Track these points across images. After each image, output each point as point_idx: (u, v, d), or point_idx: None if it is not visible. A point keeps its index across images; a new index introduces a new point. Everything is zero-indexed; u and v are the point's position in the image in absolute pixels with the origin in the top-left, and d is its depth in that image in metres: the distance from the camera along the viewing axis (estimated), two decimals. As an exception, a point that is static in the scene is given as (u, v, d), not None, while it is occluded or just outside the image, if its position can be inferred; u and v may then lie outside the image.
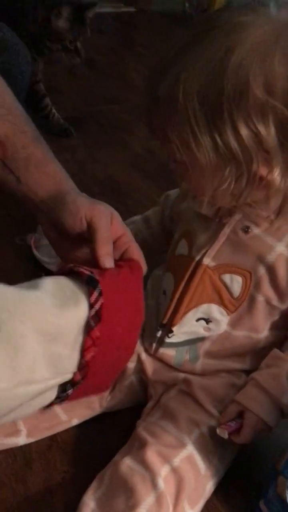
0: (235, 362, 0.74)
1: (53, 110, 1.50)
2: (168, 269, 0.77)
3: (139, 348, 0.77)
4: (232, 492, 0.72)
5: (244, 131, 0.55)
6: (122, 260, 0.63)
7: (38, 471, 0.71)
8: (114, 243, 0.63)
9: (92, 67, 1.97)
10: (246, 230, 0.69)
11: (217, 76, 0.54)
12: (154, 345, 0.76)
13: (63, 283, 0.53)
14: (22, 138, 0.67)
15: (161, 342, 0.75)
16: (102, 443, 0.74)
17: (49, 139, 0.72)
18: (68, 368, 0.52)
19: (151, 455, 0.66)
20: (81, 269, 0.54)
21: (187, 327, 0.73)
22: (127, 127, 1.57)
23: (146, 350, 0.77)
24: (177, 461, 0.66)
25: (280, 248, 0.67)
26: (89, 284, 0.52)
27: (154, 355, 0.76)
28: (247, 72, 0.54)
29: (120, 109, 1.63)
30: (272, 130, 0.56)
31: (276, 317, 0.72)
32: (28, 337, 0.46)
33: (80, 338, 0.51)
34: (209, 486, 0.69)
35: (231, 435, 0.66)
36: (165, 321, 0.74)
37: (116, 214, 0.64)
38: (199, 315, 0.72)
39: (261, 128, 0.55)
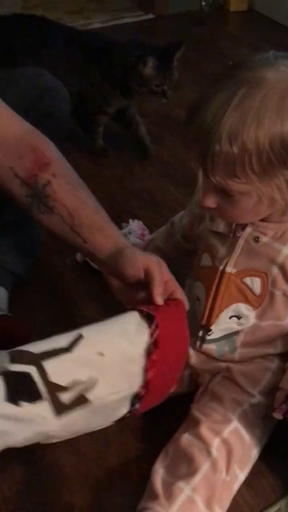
0: (268, 348, 0.90)
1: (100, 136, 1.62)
2: (197, 279, 0.93)
3: None
4: (274, 457, 0.88)
5: None
6: (169, 299, 0.82)
7: (116, 449, 0.89)
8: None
9: None
10: (256, 240, 0.84)
11: (285, 124, 0.68)
12: (198, 343, 0.91)
13: (132, 319, 0.74)
14: (85, 209, 0.86)
15: (203, 340, 0.91)
16: (164, 424, 0.91)
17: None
18: (137, 383, 0.73)
19: (204, 430, 0.82)
20: (141, 308, 0.74)
21: (222, 325, 0.89)
22: (157, 138, 1.70)
23: (193, 347, 0.93)
24: (225, 434, 0.82)
25: (286, 250, 0.83)
26: (148, 319, 0.71)
27: (199, 351, 0.92)
28: None
29: (150, 121, 1.75)
30: None
31: None
32: (116, 358, 0.66)
33: (142, 360, 0.71)
34: (254, 453, 0.86)
35: (285, 415, 0.81)
36: (203, 323, 0.90)
37: (163, 263, 0.83)
38: (230, 313, 0.87)
39: None
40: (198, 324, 0.90)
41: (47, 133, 1.03)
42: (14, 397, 0.65)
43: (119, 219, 1.24)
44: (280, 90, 0.69)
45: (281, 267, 0.83)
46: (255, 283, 0.85)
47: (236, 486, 0.82)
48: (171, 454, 0.83)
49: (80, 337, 0.69)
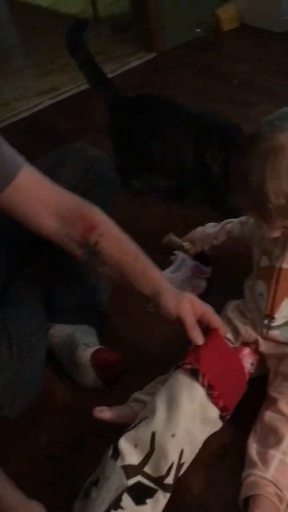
0: None
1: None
2: (259, 278, 1.12)
3: (254, 335, 1.12)
4: None
5: None
6: (208, 329, 1.04)
7: (213, 437, 1.06)
8: (199, 319, 1.03)
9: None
10: None
11: None
12: (264, 330, 1.10)
13: (182, 384, 0.99)
14: (128, 258, 1.06)
15: (268, 327, 1.09)
16: (249, 407, 1.08)
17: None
18: (214, 415, 1.00)
19: (283, 405, 1.00)
20: (185, 365, 0.99)
21: (284, 312, 1.07)
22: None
23: (260, 335, 1.11)
24: (301, 405, 1.00)
25: None
26: (193, 374, 0.97)
27: (266, 338, 1.11)
28: None
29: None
30: None
31: None
32: (185, 425, 0.96)
33: (207, 402, 0.98)
34: None
35: None
36: (268, 312, 1.09)
37: (195, 299, 1.03)
38: None
39: None
40: (263, 315, 1.10)
41: (101, 196, 1.25)
42: (139, 501, 0.92)
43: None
44: None
45: None
46: None
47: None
48: (259, 430, 1.01)
49: (153, 434, 0.94)
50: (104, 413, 1.08)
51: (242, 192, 0.95)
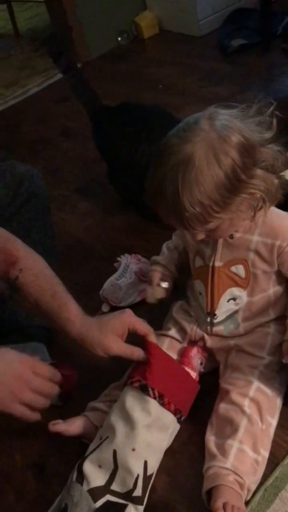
0: (263, 317, 1.11)
1: None
2: (196, 278, 1.15)
3: (200, 332, 1.14)
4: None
5: (252, 180, 0.92)
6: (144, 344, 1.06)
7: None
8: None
9: (71, 136, 2.29)
10: (231, 236, 1.05)
11: (218, 175, 0.89)
12: (208, 327, 1.13)
13: (134, 400, 1.01)
14: (45, 296, 1.06)
15: (212, 324, 1.13)
16: (203, 403, 1.11)
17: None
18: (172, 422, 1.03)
19: (235, 396, 1.03)
20: (134, 384, 1.01)
21: (223, 308, 1.10)
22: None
23: (206, 332, 1.14)
24: (251, 393, 1.03)
25: (255, 238, 1.04)
26: (143, 390, 1.00)
27: (211, 334, 1.14)
28: (231, 159, 0.90)
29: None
30: (257, 169, 0.93)
31: (273, 277, 1.09)
32: (144, 437, 0.98)
33: (160, 411, 1.00)
34: (279, 401, 1.07)
35: None
36: (209, 310, 1.12)
37: (116, 320, 1.07)
38: (227, 297, 1.09)
39: (253, 172, 0.92)
40: (205, 313, 1.12)
41: (35, 211, 1.25)
42: None
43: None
44: (203, 157, 0.90)
45: (256, 251, 1.06)
46: (240, 269, 1.08)
47: (272, 430, 1.03)
48: (215, 423, 1.04)
49: (114, 452, 0.96)
50: (59, 426, 1.08)
51: (160, 203, 0.96)
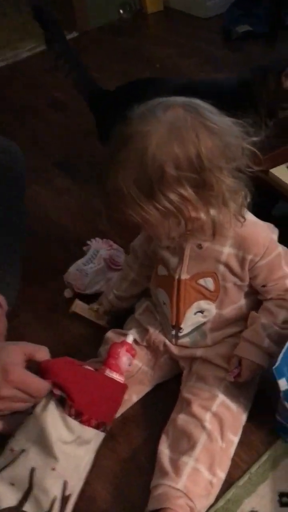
0: (233, 327, 1.02)
1: None
2: (158, 285, 1.04)
3: (163, 338, 1.05)
4: (260, 414, 1.00)
5: (172, 196, 0.81)
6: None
7: (122, 441, 1.00)
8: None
9: (59, 108, 2.16)
10: (199, 246, 0.94)
11: (142, 169, 0.79)
12: (173, 340, 1.03)
13: (57, 419, 0.87)
14: None
15: (177, 337, 1.03)
16: (160, 408, 1.02)
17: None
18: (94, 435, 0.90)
19: (196, 408, 0.94)
20: (55, 394, 0.87)
21: (190, 321, 1.00)
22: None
23: (170, 341, 1.04)
24: (214, 408, 0.94)
25: (226, 250, 0.94)
26: (62, 403, 0.87)
27: (175, 345, 1.04)
28: (159, 162, 0.78)
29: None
30: (189, 189, 0.81)
31: (245, 289, 1.00)
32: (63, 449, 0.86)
33: (81, 427, 0.87)
34: (243, 418, 0.98)
35: (236, 378, 0.96)
36: (173, 324, 1.01)
37: (9, 354, 0.86)
38: (194, 310, 0.99)
39: (182, 191, 0.81)
40: (169, 325, 1.02)
41: (8, 187, 1.13)
42: None
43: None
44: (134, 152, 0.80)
45: (226, 264, 0.95)
46: (208, 282, 0.97)
47: (232, 449, 0.95)
48: (171, 435, 0.94)
49: (32, 470, 0.84)
50: None
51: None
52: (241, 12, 2.45)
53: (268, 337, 0.96)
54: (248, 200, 0.89)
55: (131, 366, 0.99)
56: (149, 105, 0.83)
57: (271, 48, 2.22)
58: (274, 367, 0.86)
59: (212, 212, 0.85)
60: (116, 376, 0.95)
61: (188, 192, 0.81)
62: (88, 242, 1.34)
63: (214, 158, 0.81)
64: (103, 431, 0.91)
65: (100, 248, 1.30)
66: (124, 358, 0.96)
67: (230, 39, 2.41)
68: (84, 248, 1.34)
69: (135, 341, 1.05)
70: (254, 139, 0.85)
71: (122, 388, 0.96)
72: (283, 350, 0.88)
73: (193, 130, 0.80)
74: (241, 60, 2.24)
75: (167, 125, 0.80)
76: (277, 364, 0.87)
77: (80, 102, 1.62)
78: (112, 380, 0.94)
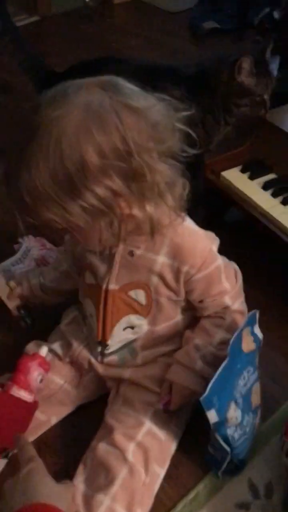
0: (168, 345, 0.91)
1: None
2: (86, 295, 0.92)
3: (88, 354, 0.93)
4: (190, 444, 0.90)
5: (99, 190, 0.69)
6: None
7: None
8: None
9: (8, 91, 2.03)
10: (131, 254, 0.83)
11: (58, 161, 0.66)
12: (99, 357, 0.92)
13: None
14: None
15: (103, 354, 0.91)
16: (83, 433, 0.91)
17: None
18: None
19: (119, 437, 0.83)
20: None
21: (118, 337, 0.89)
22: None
23: (96, 359, 0.93)
24: (140, 437, 0.83)
25: (160, 259, 0.83)
26: None
27: (101, 363, 0.93)
28: (78, 150, 0.66)
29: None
30: (117, 180, 0.69)
31: (182, 304, 0.89)
32: None
33: None
34: (173, 447, 0.88)
35: (165, 406, 0.85)
36: (99, 339, 0.90)
37: None
38: (123, 325, 0.88)
39: (110, 183, 0.69)
40: (95, 341, 0.91)
41: None
42: None
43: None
44: (47, 141, 0.67)
45: (160, 275, 0.84)
46: (140, 295, 0.86)
47: (157, 484, 0.84)
48: (89, 466, 0.83)
49: None
50: None
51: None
52: (209, 8, 2.39)
53: (201, 359, 0.86)
54: (187, 191, 0.78)
55: (42, 383, 0.87)
56: (59, 88, 0.70)
57: (237, 46, 2.14)
58: (201, 398, 0.76)
59: (148, 207, 0.74)
60: (24, 394, 0.83)
61: (117, 184, 0.69)
62: (20, 240, 1.21)
63: (142, 141, 0.69)
64: (4, 457, 0.79)
65: (31, 247, 1.18)
66: (35, 374, 0.85)
67: (196, 35, 2.33)
68: (15, 246, 1.21)
69: (57, 356, 0.94)
70: (184, 113, 0.74)
71: (30, 408, 0.84)
72: (213, 379, 0.77)
73: (113, 110, 0.68)
74: (206, 56, 2.14)
75: (82, 107, 0.67)
76: (205, 394, 0.76)
77: (27, 84, 1.48)
78: (18, 400, 0.82)
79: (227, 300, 0.88)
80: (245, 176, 1.21)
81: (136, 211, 0.74)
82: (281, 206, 1.13)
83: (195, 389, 0.85)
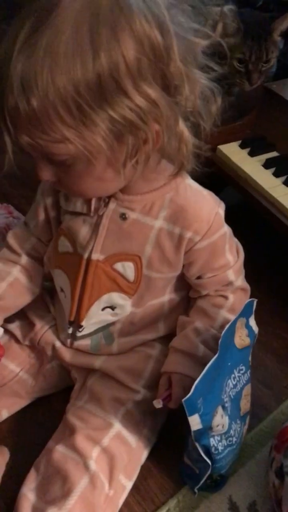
0: (149, 332, 0.78)
1: None
2: (57, 266, 0.77)
3: (53, 338, 0.79)
4: (163, 453, 0.77)
5: (135, 96, 0.53)
6: None
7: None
8: None
9: None
10: (123, 217, 0.69)
11: (86, 61, 0.51)
12: (68, 340, 0.78)
13: None
14: None
15: (74, 337, 0.77)
16: (39, 431, 0.77)
17: None
18: None
19: (81, 440, 0.69)
20: None
21: (95, 318, 0.75)
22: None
23: (63, 343, 0.79)
24: (106, 441, 0.70)
25: (158, 224, 0.69)
26: None
27: (70, 347, 0.78)
28: (115, 44, 0.51)
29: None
30: (156, 86, 0.55)
31: (173, 281, 0.76)
32: None
33: None
34: (144, 455, 0.75)
35: (165, 402, 0.71)
36: (72, 319, 0.76)
37: None
38: (103, 305, 0.74)
39: (147, 88, 0.54)
40: (66, 320, 0.76)
41: None
42: None
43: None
44: (74, 15, 0.51)
45: (156, 245, 0.70)
46: (128, 269, 0.72)
47: (122, 498, 0.71)
48: (42, 472, 0.69)
49: None
50: None
51: None
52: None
53: (203, 343, 0.73)
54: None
55: None
56: None
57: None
58: (184, 399, 0.62)
59: (181, 124, 0.60)
60: None
61: (155, 91, 0.55)
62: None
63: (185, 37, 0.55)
64: None
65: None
66: None
67: None
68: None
69: (14, 338, 0.79)
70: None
71: None
72: (199, 377, 0.64)
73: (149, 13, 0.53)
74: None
75: None
76: (189, 394, 0.62)
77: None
78: None
79: (230, 275, 0.75)
80: (244, 152, 1.08)
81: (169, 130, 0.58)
82: (284, 187, 1.00)
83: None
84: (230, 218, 0.75)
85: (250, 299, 0.74)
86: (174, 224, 0.69)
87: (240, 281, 0.77)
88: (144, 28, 0.52)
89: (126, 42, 0.52)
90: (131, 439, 0.72)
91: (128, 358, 0.77)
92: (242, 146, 1.09)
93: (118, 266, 0.72)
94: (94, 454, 0.68)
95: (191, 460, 0.72)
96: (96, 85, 0.51)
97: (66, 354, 0.79)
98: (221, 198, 0.73)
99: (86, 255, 0.72)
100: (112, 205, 0.69)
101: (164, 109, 0.56)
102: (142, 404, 0.74)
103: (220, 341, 0.67)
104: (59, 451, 0.69)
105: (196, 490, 0.73)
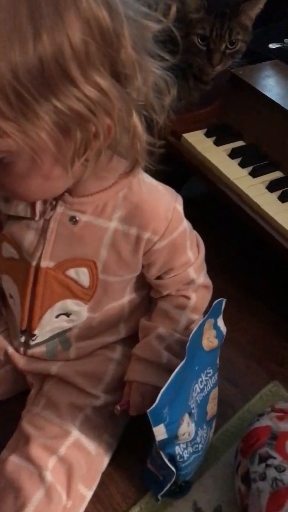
0: (110, 335, 0.74)
1: None
2: (4, 272, 0.72)
3: (4, 343, 0.75)
4: (125, 457, 0.73)
5: (83, 85, 0.48)
6: None
7: None
8: None
9: None
10: (74, 220, 0.64)
11: (25, 42, 0.44)
12: (21, 348, 0.73)
13: None
14: None
15: (27, 346, 0.73)
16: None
17: None
18: None
19: (36, 450, 0.65)
20: None
21: (48, 326, 0.70)
22: None
23: (17, 350, 0.74)
24: (63, 450, 0.66)
25: (113, 225, 0.65)
26: None
27: (24, 355, 0.74)
28: (59, 24, 0.45)
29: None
30: (106, 75, 0.49)
31: (132, 281, 0.72)
32: None
33: None
34: (104, 462, 0.71)
35: (123, 408, 0.68)
36: (23, 328, 0.71)
37: None
38: (57, 312, 0.69)
39: (96, 76, 0.48)
40: (18, 329, 0.72)
41: None
42: None
43: None
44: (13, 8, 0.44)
45: (112, 247, 0.66)
46: (82, 275, 0.67)
47: (82, 509, 0.68)
48: (-5, 483, 0.65)
49: None
50: None
51: None
52: None
53: (167, 349, 0.70)
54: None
55: None
56: None
57: None
58: (149, 410, 0.59)
59: (135, 117, 0.54)
60: None
61: (105, 79, 0.49)
62: None
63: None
64: None
65: None
66: None
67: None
68: None
69: None
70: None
71: None
72: (165, 385, 0.60)
73: None
74: None
75: None
76: (154, 404, 0.59)
77: None
78: None
79: (192, 272, 0.72)
80: (209, 141, 1.04)
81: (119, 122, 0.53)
82: (250, 178, 0.96)
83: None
84: (196, 209, 0.71)
85: (219, 299, 0.70)
86: (130, 224, 0.64)
87: (202, 278, 0.74)
88: (92, 7, 0.47)
89: (72, 22, 0.46)
90: (91, 446, 0.69)
91: (87, 362, 0.73)
92: (208, 135, 1.05)
93: (71, 272, 0.67)
94: (50, 464, 0.64)
95: (155, 467, 0.69)
96: (38, 71, 0.45)
97: (20, 361, 0.74)
98: (187, 188, 0.69)
99: (34, 263, 0.66)
100: (60, 208, 0.64)
101: (116, 100, 0.50)
102: (102, 409, 0.71)
103: (187, 345, 0.63)
104: (13, 462, 0.65)
105: (159, 497, 0.70)
